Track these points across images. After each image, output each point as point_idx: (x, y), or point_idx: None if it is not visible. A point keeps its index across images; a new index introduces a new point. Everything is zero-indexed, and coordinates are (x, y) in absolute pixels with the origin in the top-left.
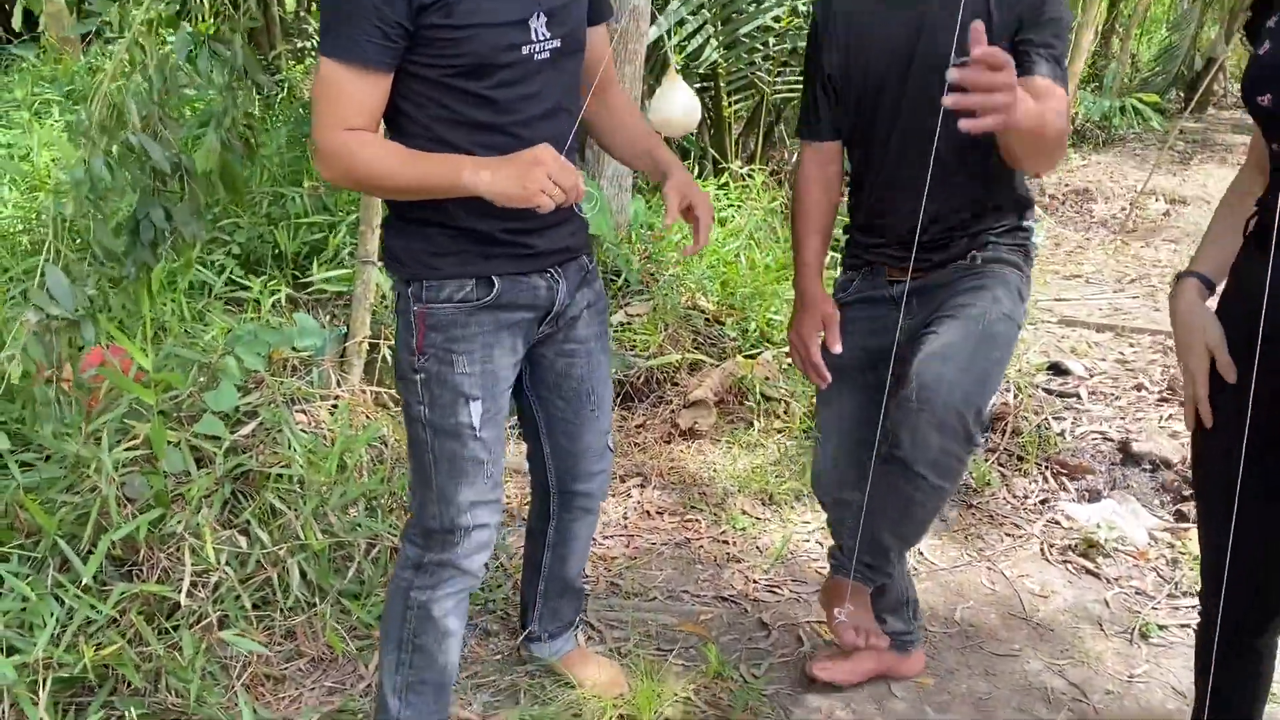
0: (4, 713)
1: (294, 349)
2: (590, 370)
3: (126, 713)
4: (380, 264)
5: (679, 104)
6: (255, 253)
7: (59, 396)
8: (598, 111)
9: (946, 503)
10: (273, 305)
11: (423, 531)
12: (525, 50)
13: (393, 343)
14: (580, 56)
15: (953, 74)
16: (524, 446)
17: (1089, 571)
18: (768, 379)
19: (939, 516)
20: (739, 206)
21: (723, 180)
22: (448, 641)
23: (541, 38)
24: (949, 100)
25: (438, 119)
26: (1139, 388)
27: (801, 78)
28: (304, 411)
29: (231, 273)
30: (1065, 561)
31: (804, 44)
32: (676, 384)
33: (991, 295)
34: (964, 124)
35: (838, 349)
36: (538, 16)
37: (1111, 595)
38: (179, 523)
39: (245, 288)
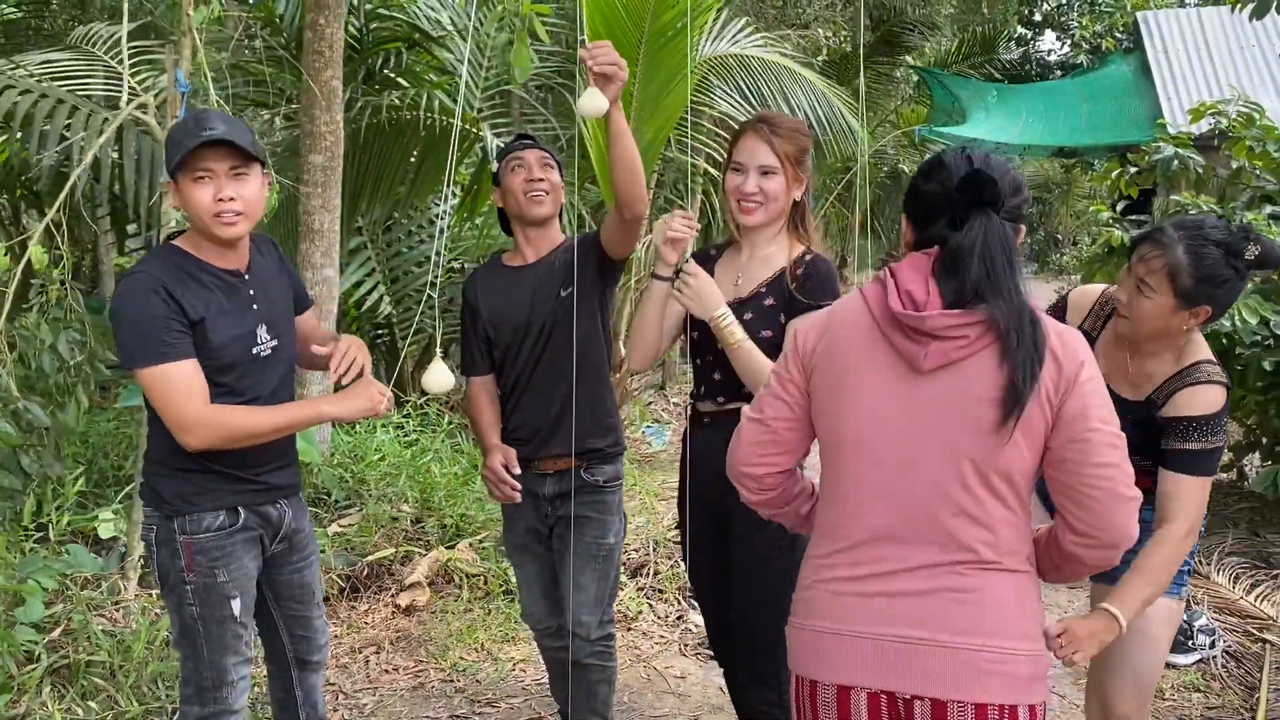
0: None
1: (84, 572)
2: (315, 575)
3: None
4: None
5: (439, 376)
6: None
7: None
8: (312, 360)
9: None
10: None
11: (197, 691)
12: (255, 351)
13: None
14: (290, 345)
15: (583, 52)
16: None
17: (711, 657)
18: (469, 560)
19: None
20: (422, 431)
21: (405, 411)
22: None
23: (263, 341)
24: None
25: None
26: None
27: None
28: (103, 615)
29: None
30: (696, 654)
31: (459, 295)
32: (393, 574)
33: (603, 526)
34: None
35: (516, 470)
36: (261, 327)
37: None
38: (24, 702)
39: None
